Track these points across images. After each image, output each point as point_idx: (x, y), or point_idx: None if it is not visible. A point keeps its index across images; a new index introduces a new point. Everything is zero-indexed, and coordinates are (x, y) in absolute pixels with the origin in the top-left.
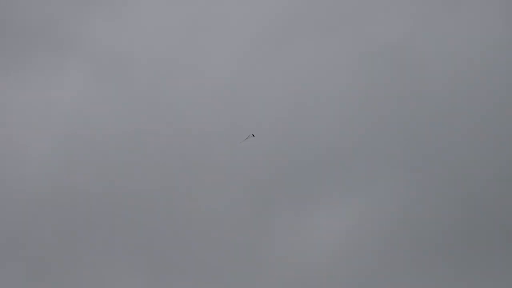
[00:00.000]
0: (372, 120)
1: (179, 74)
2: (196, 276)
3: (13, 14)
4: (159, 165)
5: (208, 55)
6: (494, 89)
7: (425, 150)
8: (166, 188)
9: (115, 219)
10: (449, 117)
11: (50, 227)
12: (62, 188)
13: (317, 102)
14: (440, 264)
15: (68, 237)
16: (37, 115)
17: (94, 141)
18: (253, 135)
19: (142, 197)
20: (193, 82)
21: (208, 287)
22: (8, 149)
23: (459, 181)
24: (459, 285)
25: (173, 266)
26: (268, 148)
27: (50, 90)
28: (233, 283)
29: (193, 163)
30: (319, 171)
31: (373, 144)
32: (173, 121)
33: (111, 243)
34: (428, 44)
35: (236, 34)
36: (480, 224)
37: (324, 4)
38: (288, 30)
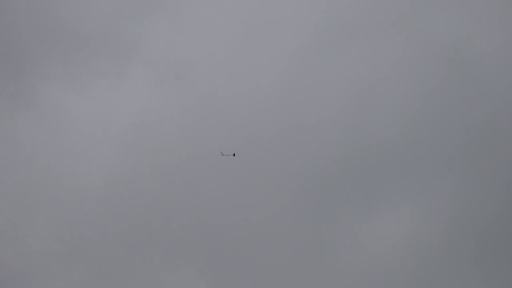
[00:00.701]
0: (434, 122)
1: (238, 77)
2: (259, 280)
3: (75, 22)
4: (220, 167)
5: (269, 55)
6: None
7: (488, 153)
8: (228, 190)
9: (177, 222)
10: None
11: (114, 229)
12: (125, 190)
13: (379, 105)
14: (503, 265)
15: (132, 239)
16: (99, 120)
17: (155, 145)
18: (234, 155)
19: (203, 200)
20: (254, 84)
21: None
22: (72, 153)
23: None
24: None
25: (234, 270)
26: (329, 153)
27: (112, 96)
28: (295, 286)
29: (254, 165)
30: (380, 174)
31: (434, 147)
32: (234, 123)
33: (173, 246)
34: (493, 44)
35: (295, 35)
36: None
37: (386, 3)
38: (350, 29)
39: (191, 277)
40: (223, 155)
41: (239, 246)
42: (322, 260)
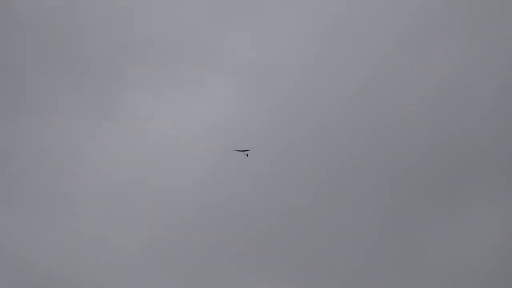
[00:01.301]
0: None
1: (320, 81)
2: (347, 281)
3: (156, 32)
4: (303, 170)
5: (350, 58)
6: None
7: None
8: (311, 191)
9: (265, 227)
10: None
11: (201, 238)
12: (209, 198)
13: (466, 101)
14: None
15: (219, 247)
16: (182, 128)
17: (238, 152)
18: (247, 155)
19: (290, 203)
20: (336, 86)
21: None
22: (156, 162)
23: None
24: None
25: (321, 272)
26: (417, 148)
27: (194, 103)
28: (386, 284)
29: (339, 166)
30: (472, 170)
31: None
32: (316, 126)
33: (261, 252)
34: None
35: (376, 37)
36: None
37: (469, 3)
38: (434, 30)
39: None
40: (237, 151)
41: (328, 247)
42: (410, 260)
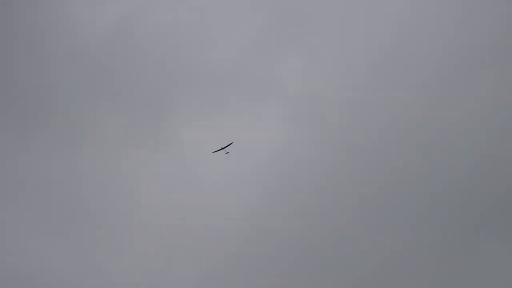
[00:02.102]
0: None
1: (368, 111)
2: None
3: (208, 65)
4: (355, 199)
5: (400, 86)
6: None
7: None
8: (361, 219)
9: (319, 255)
10: None
11: (256, 267)
12: (263, 227)
13: None
14: None
15: (273, 276)
16: (236, 158)
17: (291, 181)
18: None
19: (335, 228)
20: (384, 116)
21: None
22: (211, 192)
23: None
24: None
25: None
26: (476, 170)
27: (247, 134)
28: None
29: (393, 191)
30: None
31: None
32: (369, 155)
33: (318, 282)
34: None
35: (425, 63)
36: None
37: None
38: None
39: None
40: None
41: (390, 272)
42: (462, 285)
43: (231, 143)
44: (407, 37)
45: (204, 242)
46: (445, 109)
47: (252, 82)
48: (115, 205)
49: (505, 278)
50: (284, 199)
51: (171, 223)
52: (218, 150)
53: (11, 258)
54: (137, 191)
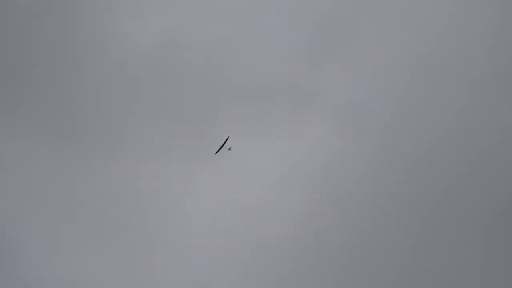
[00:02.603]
0: None
1: (415, 118)
2: None
3: (252, 75)
4: (407, 208)
5: (447, 90)
6: None
7: None
8: (413, 230)
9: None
10: None
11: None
12: (312, 239)
13: None
14: None
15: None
16: (281, 171)
17: (339, 194)
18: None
19: (383, 240)
20: (431, 121)
21: None
22: (257, 206)
23: None
24: None
25: None
26: None
27: (291, 146)
28: None
29: (443, 197)
30: None
31: None
32: (417, 162)
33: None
34: None
35: (470, 69)
36: None
37: None
38: None
39: None
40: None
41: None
42: None
43: (227, 138)
44: (448, 47)
45: (250, 256)
46: (490, 113)
47: (294, 93)
48: (160, 219)
49: None
50: (335, 210)
51: (216, 237)
52: (219, 150)
53: (64, 271)
54: (183, 204)
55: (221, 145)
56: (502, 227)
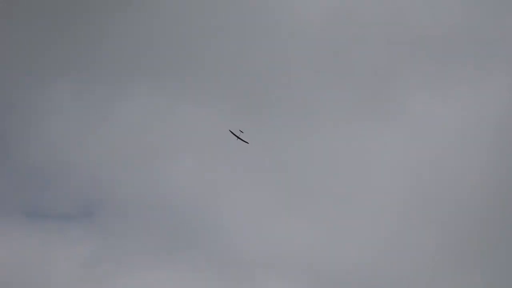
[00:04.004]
0: None
1: None
2: None
3: (430, 28)
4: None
5: None
6: None
7: None
8: None
9: None
10: None
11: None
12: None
13: None
14: None
15: None
16: (463, 125)
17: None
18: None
19: None
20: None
21: None
22: (436, 160)
23: None
24: None
25: None
26: None
27: (473, 100)
28: None
29: None
30: None
31: None
32: None
33: None
34: None
35: None
36: None
37: None
38: None
39: None
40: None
41: None
42: None
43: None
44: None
45: (434, 214)
46: None
47: (476, 45)
48: (345, 178)
49: None
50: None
51: (404, 195)
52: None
53: (259, 238)
54: (368, 164)
55: (238, 137)
56: None
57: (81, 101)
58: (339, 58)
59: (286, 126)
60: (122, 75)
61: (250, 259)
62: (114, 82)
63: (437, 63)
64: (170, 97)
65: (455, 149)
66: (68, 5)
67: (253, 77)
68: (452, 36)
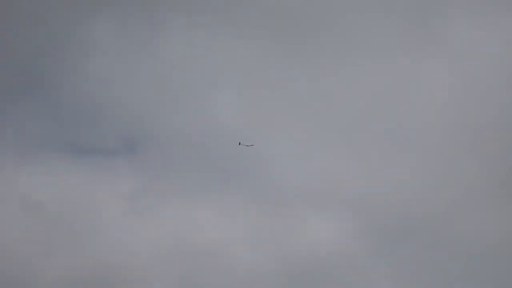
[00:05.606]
0: None
1: None
2: None
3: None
4: None
5: None
6: None
7: None
8: None
9: None
10: None
11: None
12: None
13: None
14: None
15: None
16: None
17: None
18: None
19: None
20: None
21: None
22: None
23: None
24: None
25: None
26: None
27: None
28: None
29: None
30: None
31: None
32: None
33: None
34: None
35: None
36: None
37: None
38: None
39: None
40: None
41: None
42: None
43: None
44: None
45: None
46: None
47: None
48: (391, 115)
49: None
50: None
51: (449, 128)
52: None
53: (299, 173)
54: (408, 95)
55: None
56: None
57: (123, 39)
58: None
59: (329, 58)
60: (160, 11)
61: (290, 194)
62: (153, 19)
63: None
64: (209, 32)
65: (501, 81)
66: None
67: (293, 8)
68: None
